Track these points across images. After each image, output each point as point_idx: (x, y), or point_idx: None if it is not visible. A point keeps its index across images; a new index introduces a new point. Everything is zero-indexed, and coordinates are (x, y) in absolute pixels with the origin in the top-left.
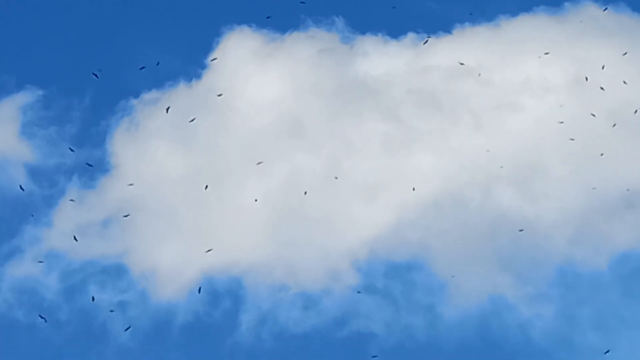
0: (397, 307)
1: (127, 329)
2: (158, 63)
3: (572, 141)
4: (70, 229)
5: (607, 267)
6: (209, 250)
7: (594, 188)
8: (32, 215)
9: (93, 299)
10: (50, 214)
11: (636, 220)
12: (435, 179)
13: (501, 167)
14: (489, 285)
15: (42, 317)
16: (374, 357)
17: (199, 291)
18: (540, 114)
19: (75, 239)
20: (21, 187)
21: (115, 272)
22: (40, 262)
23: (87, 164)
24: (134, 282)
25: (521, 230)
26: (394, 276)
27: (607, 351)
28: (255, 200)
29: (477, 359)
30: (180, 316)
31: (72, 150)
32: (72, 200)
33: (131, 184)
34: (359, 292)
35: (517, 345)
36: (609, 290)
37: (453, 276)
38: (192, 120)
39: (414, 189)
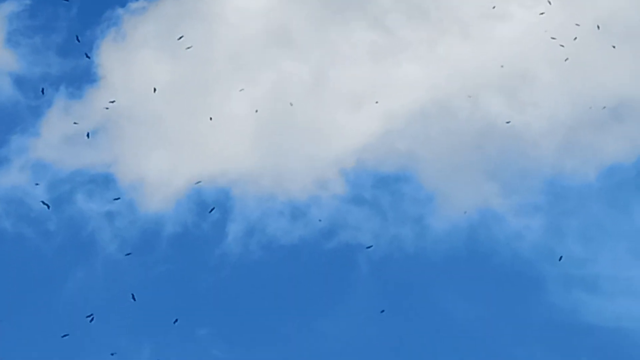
0: (386, 218)
1: (127, 255)
2: None
3: (562, 48)
4: (57, 139)
5: (595, 179)
6: (198, 182)
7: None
8: (19, 126)
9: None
10: (37, 124)
11: (625, 132)
12: (423, 88)
13: (489, 75)
14: (478, 196)
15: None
16: (368, 247)
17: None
18: (529, 22)
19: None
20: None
21: (103, 182)
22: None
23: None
24: (122, 192)
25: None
26: (382, 187)
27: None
28: (256, 111)
29: (465, 270)
30: (168, 227)
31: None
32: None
33: (112, 101)
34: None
35: (504, 257)
36: (596, 202)
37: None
38: (180, 38)
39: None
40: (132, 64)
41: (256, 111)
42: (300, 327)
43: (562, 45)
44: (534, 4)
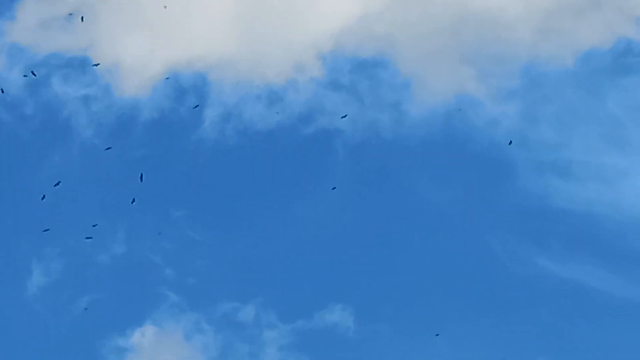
0: (363, 104)
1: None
2: None
3: None
4: (33, 22)
5: (572, 65)
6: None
7: None
8: None
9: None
10: (13, 8)
11: (602, 18)
12: None
13: None
14: (455, 83)
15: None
16: (333, 188)
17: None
18: None
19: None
20: None
21: (79, 65)
22: None
23: None
24: (98, 76)
25: None
26: (360, 72)
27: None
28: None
29: (440, 156)
30: (144, 112)
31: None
32: None
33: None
34: None
35: (479, 143)
36: (572, 87)
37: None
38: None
39: None
40: None
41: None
42: (276, 211)
43: None
44: None
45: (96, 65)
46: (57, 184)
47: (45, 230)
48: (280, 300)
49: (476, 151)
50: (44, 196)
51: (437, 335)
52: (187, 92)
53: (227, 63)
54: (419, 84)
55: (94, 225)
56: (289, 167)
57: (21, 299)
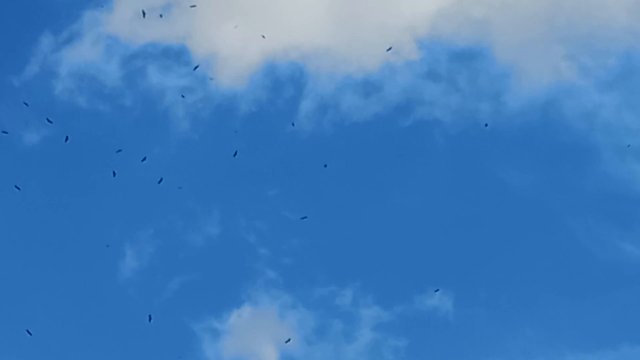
0: (462, 94)
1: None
2: None
3: None
4: (130, 13)
5: None
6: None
7: None
8: (92, 2)
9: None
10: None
11: None
12: None
13: None
14: (553, 71)
15: None
16: (324, 165)
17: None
18: None
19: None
20: None
21: (176, 56)
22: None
23: None
24: (195, 66)
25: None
26: (458, 61)
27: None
28: None
29: (535, 145)
30: (241, 105)
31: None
32: None
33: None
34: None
35: (582, 135)
36: None
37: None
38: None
39: None
40: None
41: None
42: (374, 196)
43: None
44: None
45: (196, 67)
46: (160, 180)
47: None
48: (379, 284)
49: (573, 142)
50: (161, 179)
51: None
52: (284, 83)
53: (322, 51)
54: (517, 73)
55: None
56: (386, 158)
57: (114, 283)
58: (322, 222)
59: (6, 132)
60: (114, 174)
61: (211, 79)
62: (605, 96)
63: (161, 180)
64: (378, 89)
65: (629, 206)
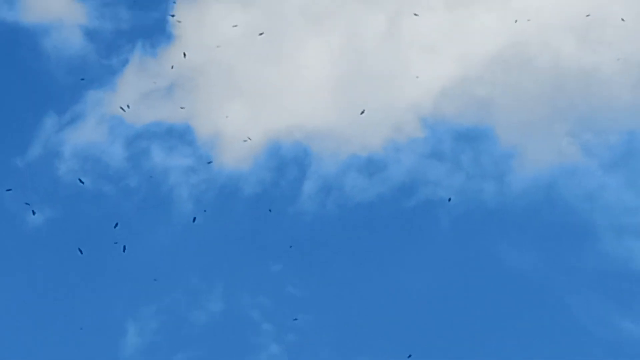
0: (466, 173)
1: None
2: None
3: None
4: (133, 95)
5: None
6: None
7: None
8: (95, 82)
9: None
10: (114, 80)
11: None
12: (499, 35)
13: (568, 21)
14: (557, 152)
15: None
16: (449, 199)
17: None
18: None
19: (123, 108)
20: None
21: (180, 137)
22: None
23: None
24: (198, 146)
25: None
26: (462, 141)
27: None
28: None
29: (542, 227)
30: (246, 186)
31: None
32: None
33: (184, 54)
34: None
35: (583, 215)
36: None
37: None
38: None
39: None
40: (206, 18)
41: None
42: (376, 276)
43: None
44: None
45: (210, 162)
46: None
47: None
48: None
49: (579, 223)
50: (124, 247)
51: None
52: (287, 163)
53: (326, 131)
54: (520, 154)
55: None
56: (391, 238)
57: None
58: (326, 298)
59: (10, 190)
60: (124, 248)
61: (210, 162)
62: (608, 177)
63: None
64: (382, 169)
65: (627, 284)
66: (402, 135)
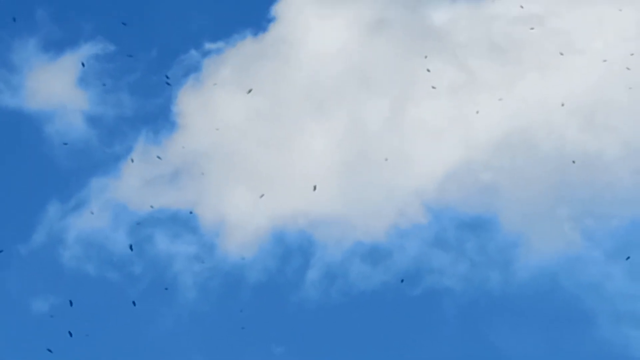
0: (471, 262)
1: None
2: None
3: None
4: (137, 182)
5: None
6: (262, 196)
7: None
8: (99, 169)
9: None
10: (118, 167)
11: None
12: (502, 121)
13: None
14: (561, 240)
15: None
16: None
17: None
18: (609, 60)
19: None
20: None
21: (184, 224)
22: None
23: None
24: (203, 233)
25: None
26: (466, 229)
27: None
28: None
29: (548, 314)
30: (250, 274)
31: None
32: (132, 160)
33: (183, 147)
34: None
35: (586, 303)
36: None
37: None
38: (250, 92)
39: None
40: (210, 105)
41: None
42: None
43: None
44: (614, 41)
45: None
46: None
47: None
48: None
49: (585, 312)
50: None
51: None
52: (292, 251)
53: (330, 218)
54: (525, 243)
55: None
56: (395, 328)
57: None
58: None
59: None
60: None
61: (202, 262)
62: (610, 266)
63: None
64: (386, 257)
65: None
66: (406, 221)
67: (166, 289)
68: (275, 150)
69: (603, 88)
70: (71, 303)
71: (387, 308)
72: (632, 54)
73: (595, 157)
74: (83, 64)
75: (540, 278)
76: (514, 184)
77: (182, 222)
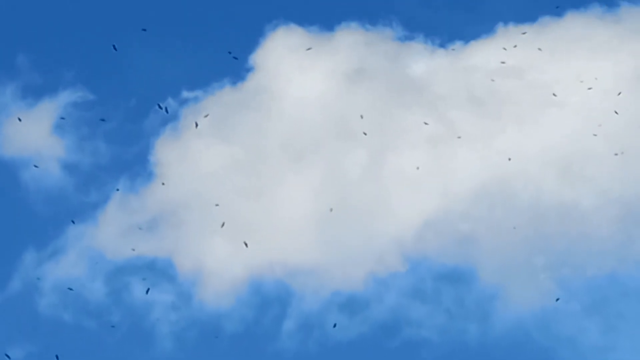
0: (449, 313)
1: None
2: None
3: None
4: (114, 230)
5: None
6: (246, 244)
7: None
8: (73, 222)
9: (148, 291)
10: (95, 215)
11: None
12: (480, 171)
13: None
14: (538, 292)
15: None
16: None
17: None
18: (587, 110)
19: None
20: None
21: (161, 273)
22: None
23: None
24: (180, 282)
25: None
26: (444, 280)
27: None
28: (331, 209)
29: None
30: (228, 324)
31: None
32: (117, 189)
33: (163, 183)
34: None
35: (565, 358)
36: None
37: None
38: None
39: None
40: (187, 154)
41: (331, 210)
42: None
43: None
44: (593, 92)
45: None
46: None
47: None
48: None
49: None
50: None
51: None
52: (269, 302)
53: (308, 267)
54: (502, 296)
55: None
56: None
57: None
58: None
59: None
60: None
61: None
62: (585, 319)
63: None
64: (364, 307)
65: None
66: (383, 270)
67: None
68: (253, 199)
69: (580, 139)
70: (57, 358)
71: (365, 359)
72: (607, 105)
73: (571, 207)
74: (62, 118)
75: (517, 330)
76: (492, 234)
77: (159, 270)
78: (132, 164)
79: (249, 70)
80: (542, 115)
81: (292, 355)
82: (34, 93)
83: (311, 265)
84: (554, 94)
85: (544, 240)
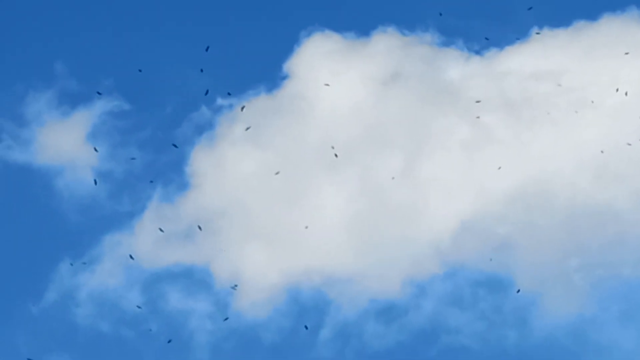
0: (488, 320)
1: None
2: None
3: None
4: (151, 240)
5: None
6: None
7: None
8: (114, 228)
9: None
10: (132, 224)
11: None
12: (516, 176)
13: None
14: (576, 297)
15: None
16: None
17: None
18: (623, 113)
19: (161, 230)
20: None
21: (198, 282)
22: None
23: None
24: (217, 292)
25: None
26: (481, 286)
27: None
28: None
29: None
30: (265, 334)
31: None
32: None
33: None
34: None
35: None
36: None
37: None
38: (248, 129)
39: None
40: (222, 162)
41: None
42: None
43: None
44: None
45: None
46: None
47: None
48: None
49: None
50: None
51: None
52: (306, 311)
53: (345, 274)
54: (540, 302)
55: None
56: None
57: None
58: None
59: None
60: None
61: (226, 318)
62: (624, 328)
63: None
64: (401, 315)
65: None
66: (421, 276)
67: (169, 341)
68: (288, 206)
69: (615, 141)
70: None
71: None
72: None
73: (605, 208)
74: (95, 149)
75: (555, 337)
76: (528, 238)
77: (196, 279)
78: (165, 171)
79: (284, 77)
80: (577, 118)
81: None
82: (70, 101)
83: (348, 273)
84: (591, 100)
85: (579, 242)
